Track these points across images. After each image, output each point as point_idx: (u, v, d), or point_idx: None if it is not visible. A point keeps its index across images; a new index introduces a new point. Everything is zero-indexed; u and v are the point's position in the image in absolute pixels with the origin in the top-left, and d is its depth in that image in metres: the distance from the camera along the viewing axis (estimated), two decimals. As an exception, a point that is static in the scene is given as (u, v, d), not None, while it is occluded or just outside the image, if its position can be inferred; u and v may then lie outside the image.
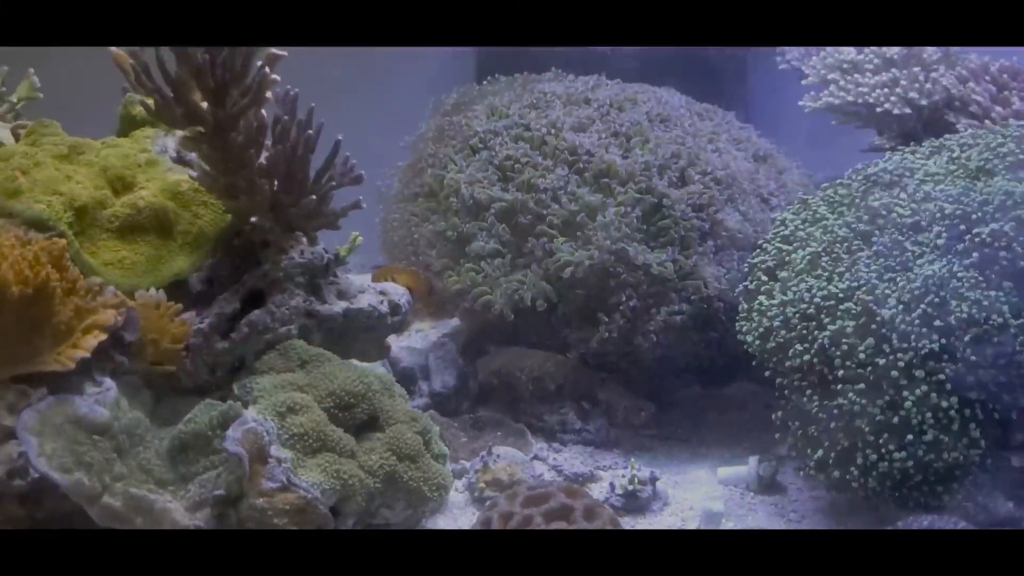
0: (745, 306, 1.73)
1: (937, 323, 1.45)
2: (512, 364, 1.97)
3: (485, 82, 2.43)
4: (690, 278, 1.87)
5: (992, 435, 1.46)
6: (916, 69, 2.17)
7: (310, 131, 1.53)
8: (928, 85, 2.14)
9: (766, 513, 1.69)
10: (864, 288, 1.53)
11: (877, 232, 1.62)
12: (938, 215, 1.56)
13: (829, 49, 2.29)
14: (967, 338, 1.43)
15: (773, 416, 1.62)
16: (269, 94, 1.50)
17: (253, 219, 1.57)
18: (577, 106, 2.14)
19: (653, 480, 1.70)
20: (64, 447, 1.27)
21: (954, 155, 1.71)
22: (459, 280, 1.95)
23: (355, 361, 1.62)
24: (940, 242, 1.53)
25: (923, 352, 1.45)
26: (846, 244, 1.63)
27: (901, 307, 1.48)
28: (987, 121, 2.04)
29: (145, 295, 1.47)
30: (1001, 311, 1.42)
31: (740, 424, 2.04)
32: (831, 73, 2.24)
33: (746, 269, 1.84)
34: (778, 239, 1.78)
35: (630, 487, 1.67)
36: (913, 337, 1.45)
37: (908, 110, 2.14)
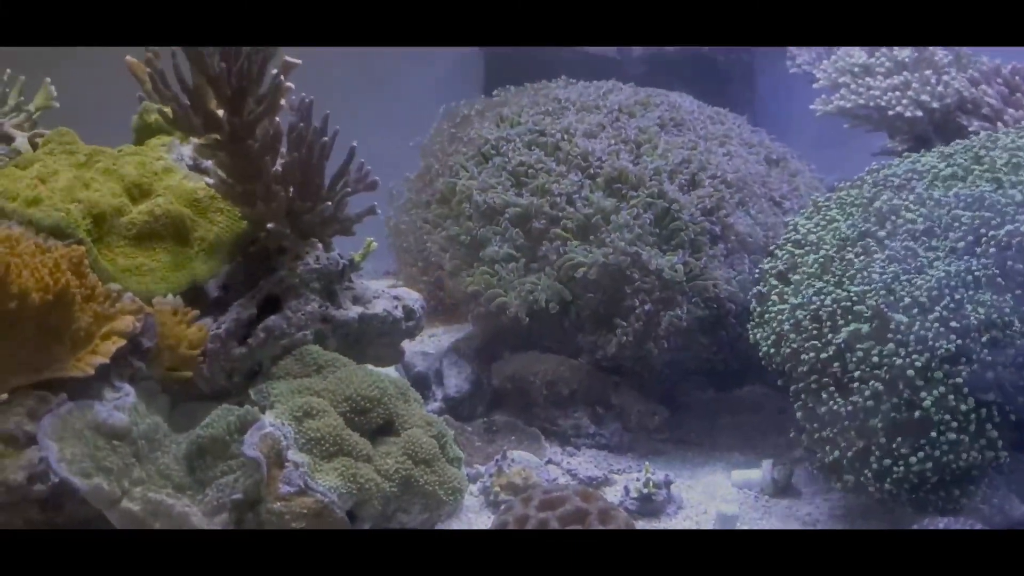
0: (758, 309, 1.73)
1: (953, 324, 1.45)
2: (526, 369, 1.97)
3: (495, 93, 2.44)
4: (700, 280, 1.88)
5: (1008, 437, 1.46)
6: (927, 72, 2.17)
7: (325, 138, 1.54)
8: (939, 88, 2.14)
9: (780, 516, 1.69)
10: (878, 290, 1.53)
11: (889, 234, 1.62)
12: (952, 218, 1.56)
13: (840, 52, 2.30)
14: (984, 339, 1.43)
15: (787, 419, 1.62)
16: (284, 102, 1.52)
17: (269, 225, 1.59)
18: (590, 112, 2.15)
19: (667, 483, 1.70)
20: (84, 452, 1.28)
21: (973, 156, 1.70)
22: (474, 281, 1.96)
23: (370, 366, 1.62)
24: (957, 245, 1.52)
25: (940, 354, 1.45)
26: (858, 246, 1.63)
27: (916, 309, 1.48)
28: (999, 123, 2.03)
29: (162, 301, 1.48)
30: (1021, 313, 1.42)
31: (753, 427, 2.04)
32: (842, 76, 2.24)
33: (757, 272, 1.84)
34: (790, 243, 1.78)
35: (645, 490, 1.67)
36: (930, 338, 1.45)
37: (920, 113, 2.14)
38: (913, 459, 1.44)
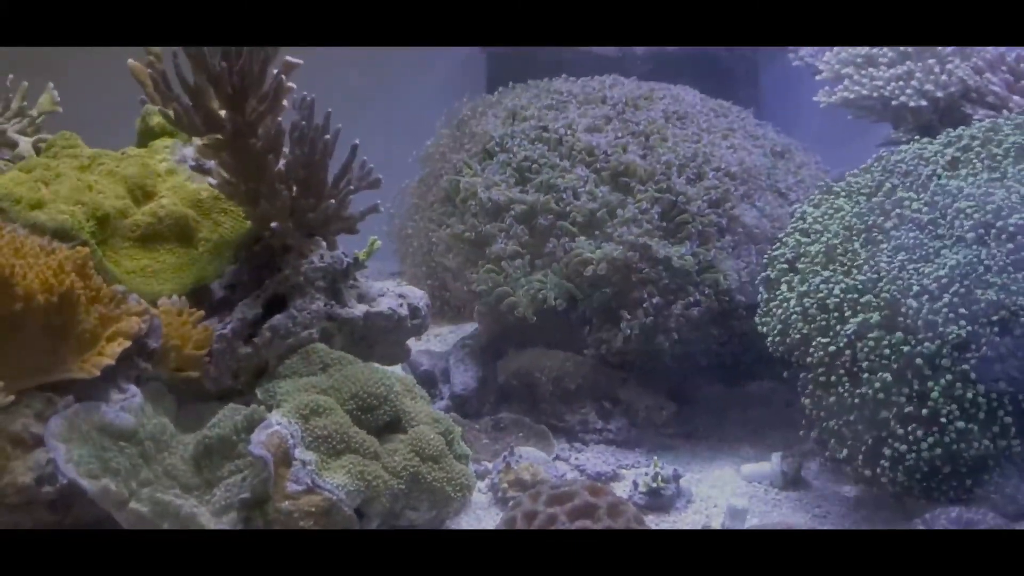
0: (764, 296, 1.73)
1: (962, 311, 1.44)
2: (531, 365, 1.97)
3: (497, 91, 2.44)
4: (709, 272, 1.87)
5: (1020, 426, 1.44)
6: (931, 61, 2.15)
7: (327, 136, 1.54)
8: (943, 77, 2.12)
9: (790, 509, 1.68)
10: (887, 279, 1.52)
11: (896, 224, 1.61)
12: (959, 208, 1.55)
13: (842, 43, 2.29)
14: (994, 327, 1.42)
15: (795, 412, 1.62)
16: (286, 101, 1.52)
17: (273, 225, 1.59)
18: (593, 105, 2.15)
19: (677, 477, 1.69)
20: (91, 453, 1.28)
21: (980, 142, 1.69)
22: (480, 280, 1.95)
23: (376, 364, 1.62)
24: (965, 235, 1.51)
25: (950, 341, 1.44)
26: (864, 235, 1.62)
27: (927, 296, 1.47)
28: (1005, 111, 2.02)
29: (168, 302, 1.48)
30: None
31: (763, 420, 2.03)
32: (845, 68, 2.23)
33: (764, 263, 1.83)
34: (797, 232, 1.77)
35: (654, 484, 1.66)
36: (940, 325, 1.44)
37: (924, 102, 2.13)
38: (924, 447, 1.43)
